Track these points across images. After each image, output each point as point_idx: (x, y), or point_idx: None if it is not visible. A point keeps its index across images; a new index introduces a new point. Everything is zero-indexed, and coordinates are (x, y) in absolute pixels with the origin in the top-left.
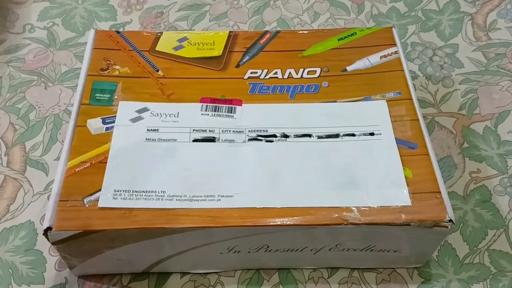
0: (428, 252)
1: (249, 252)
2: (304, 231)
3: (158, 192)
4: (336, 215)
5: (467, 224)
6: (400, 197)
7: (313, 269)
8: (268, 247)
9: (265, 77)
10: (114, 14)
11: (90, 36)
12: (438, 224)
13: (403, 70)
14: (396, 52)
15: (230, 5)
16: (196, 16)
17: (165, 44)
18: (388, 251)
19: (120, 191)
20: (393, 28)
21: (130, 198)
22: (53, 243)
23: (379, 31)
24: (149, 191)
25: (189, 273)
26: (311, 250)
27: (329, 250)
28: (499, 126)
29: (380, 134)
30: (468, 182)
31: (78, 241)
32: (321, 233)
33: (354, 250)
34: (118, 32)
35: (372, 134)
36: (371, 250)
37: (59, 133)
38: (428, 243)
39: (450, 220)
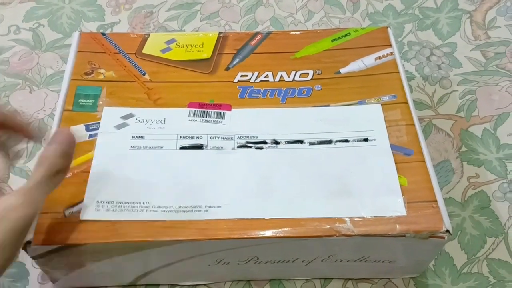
0: (424, 263)
1: (238, 264)
2: (295, 243)
3: (143, 203)
4: (328, 226)
5: (465, 232)
6: (395, 206)
7: (305, 280)
8: (258, 258)
9: (256, 81)
10: (102, 14)
11: (74, 38)
12: (434, 234)
13: (398, 72)
14: (391, 53)
15: (221, 4)
16: (187, 16)
17: (152, 47)
18: (383, 262)
19: (103, 202)
20: (388, 28)
21: (113, 210)
22: (33, 257)
23: (374, 31)
24: (133, 202)
25: (177, 285)
26: (302, 262)
27: (322, 261)
28: (498, 128)
29: (375, 140)
30: (466, 187)
31: (59, 255)
32: (312, 245)
33: (348, 261)
34: (103, 34)
35: (366, 140)
36: (365, 261)
37: (44, 139)
38: (424, 253)
39: (447, 231)
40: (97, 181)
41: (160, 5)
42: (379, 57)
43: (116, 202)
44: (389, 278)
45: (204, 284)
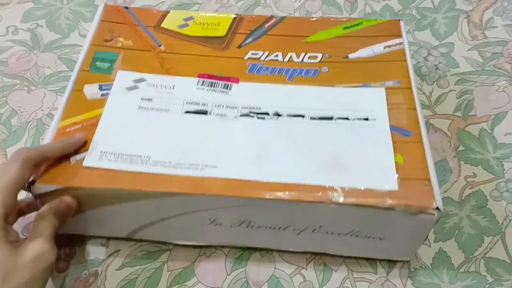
0: (415, 244)
1: (230, 226)
2: (287, 207)
3: (144, 157)
4: (320, 193)
5: (463, 231)
6: (388, 181)
7: (294, 252)
8: (250, 222)
9: (266, 59)
10: None
11: (98, 10)
12: (424, 210)
13: (406, 61)
14: (400, 43)
15: (219, 4)
16: None
17: (171, 22)
18: (373, 238)
19: (106, 152)
20: (401, 21)
21: (115, 160)
22: (35, 197)
23: (386, 23)
24: (134, 155)
25: (171, 243)
26: (294, 230)
27: (313, 231)
28: (495, 128)
29: (375, 120)
30: (464, 187)
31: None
32: (303, 211)
33: (339, 234)
34: (126, 8)
35: (366, 119)
36: (356, 236)
37: (42, 138)
38: (414, 231)
39: (437, 208)
40: (103, 134)
41: (158, 6)
42: (389, 46)
43: (118, 154)
44: (386, 278)
45: (199, 246)
